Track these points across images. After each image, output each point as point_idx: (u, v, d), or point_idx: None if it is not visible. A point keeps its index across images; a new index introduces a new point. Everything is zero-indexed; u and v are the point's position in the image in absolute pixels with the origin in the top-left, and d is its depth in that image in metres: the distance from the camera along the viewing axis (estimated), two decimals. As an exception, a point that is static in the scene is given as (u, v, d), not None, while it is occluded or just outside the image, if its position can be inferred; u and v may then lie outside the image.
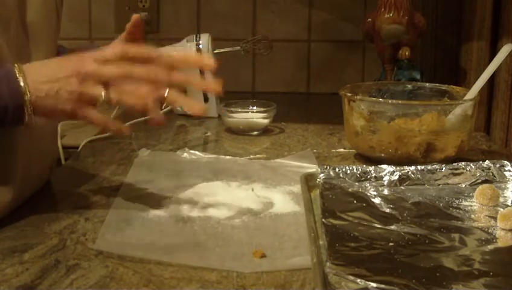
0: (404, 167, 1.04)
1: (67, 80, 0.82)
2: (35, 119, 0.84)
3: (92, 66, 0.83)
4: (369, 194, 0.98)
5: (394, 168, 1.03)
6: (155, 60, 0.86)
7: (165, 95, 0.86)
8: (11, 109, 0.82)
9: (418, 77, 1.56)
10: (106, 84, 0.84)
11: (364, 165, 1.05)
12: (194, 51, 1.54)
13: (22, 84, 0.81)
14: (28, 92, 0.81)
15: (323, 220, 0.86)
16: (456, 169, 1.04)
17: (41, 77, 0.82)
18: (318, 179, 1.01)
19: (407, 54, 1.57)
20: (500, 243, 0.82)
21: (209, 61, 0.90)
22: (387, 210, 0.92)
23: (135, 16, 0.93)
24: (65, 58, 0.87)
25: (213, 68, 0.88)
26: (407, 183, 1.02)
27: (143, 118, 1.46)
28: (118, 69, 0.84)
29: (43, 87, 0.82)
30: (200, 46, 1.55)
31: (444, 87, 1.29)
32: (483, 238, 0.83)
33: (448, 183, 1.02)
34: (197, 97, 1.57)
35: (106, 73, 0.83)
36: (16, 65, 0.83)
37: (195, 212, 0.94)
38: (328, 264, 0.73)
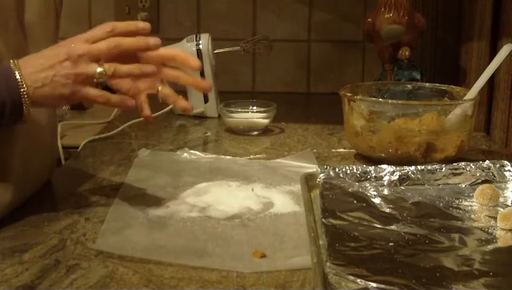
0: (404, 167, 1.04)
1: (61, 65, 0.84)
2: (34, 115, 0.84)
3: (83, 46, 0.85)
4: (369, 194, 0.98)
5: (394, 168, 1.03)
6: (146, 56, 0.90)
7: (159, 90, 0.92)
8: (10, 104, 0.82)
9: (418, 77, 1.56)
10: (100, 60, 0.86)
11: (364, 165, 1.05)
12: (194, 51, 1.54)
13: (18, 77, 0.82)
14: (24, 85, 0.82)
15: (323, 220, 0.86)
16: (456, 169, 1.04)
17: (36, 67, 0.83)
18: (318, 179, 1.01)
19: (407, 54, 1.57)
20: (500, 243, 0.82)
21: (194, 62, 0.93)
22: (387, 210, 0.92)
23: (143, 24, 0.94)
24: (56, 45, 0.88)
25: (198, 68, 0.93)
26: (407, 183, 1.02)
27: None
28: (108, 43, 0.86)
29: (38, 76, 0.83)
30: (200, 46, 1.55)
31: (444, 87, 1.29)
32: (483, 238, 0.83)
33: (448, 183, 1.02)
34: (197, 97, 1.57)
35: (97, 50, 0.85)
36: (11, 61, 0.84)
37: (195, 212, 0.94)
38: (328, 264, 0.73)
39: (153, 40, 0.89)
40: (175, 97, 0.94)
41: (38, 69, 0.83)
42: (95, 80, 0.85)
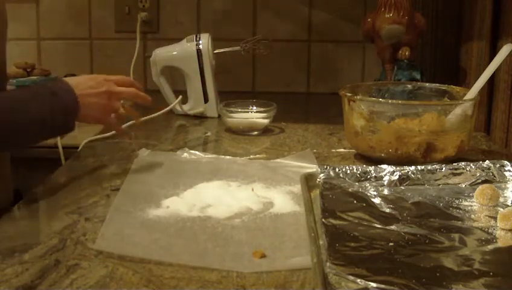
0: (404, 167, 1.04)
1: (102, 95, 1.08)
2: None
3: (116, 87, 1.11)
4: (369, 194, 0.98)
5: (394, 168, 1.03)
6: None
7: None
8: (70, 121, 1.02)
9: (418, 77, 1.57)
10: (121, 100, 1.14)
11: (364, 165, 1.05)
12: (194, 51, 1.54)
13: (78, 99, 1.03)
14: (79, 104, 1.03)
15: (323, 220, 0.86)
16: (456, 169, 1.04)
17: (84, 90, 1.05)
18: (318, 179, 1.01)
19: (407, 54, 1.57)
20: (500, 243, 0.82)
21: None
22: (387, 210, 0.92)
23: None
24: (95, 77, 1.10)
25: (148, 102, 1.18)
26: (407, 183, 1.02)
27: (143, 118, 1.46)
28: (131, 92, 1.15)
29: (88, 100, 1.05)
30: (200, 46, 1.55)
31: (444, 87, 1.29)
32: (483, 238, 0.83)
33: (448, 183, 1.02)
34: (197, 97, 1.57)
35: (126, 93, 1.14)
36: (63, 80, 1.03)
37: (195, 212, 0.94)
38: (328, 264, 0.73)
39: (149, 98, 1.18)
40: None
41: (88, 93, 1.05)
42: (114, 114, 1.13)
